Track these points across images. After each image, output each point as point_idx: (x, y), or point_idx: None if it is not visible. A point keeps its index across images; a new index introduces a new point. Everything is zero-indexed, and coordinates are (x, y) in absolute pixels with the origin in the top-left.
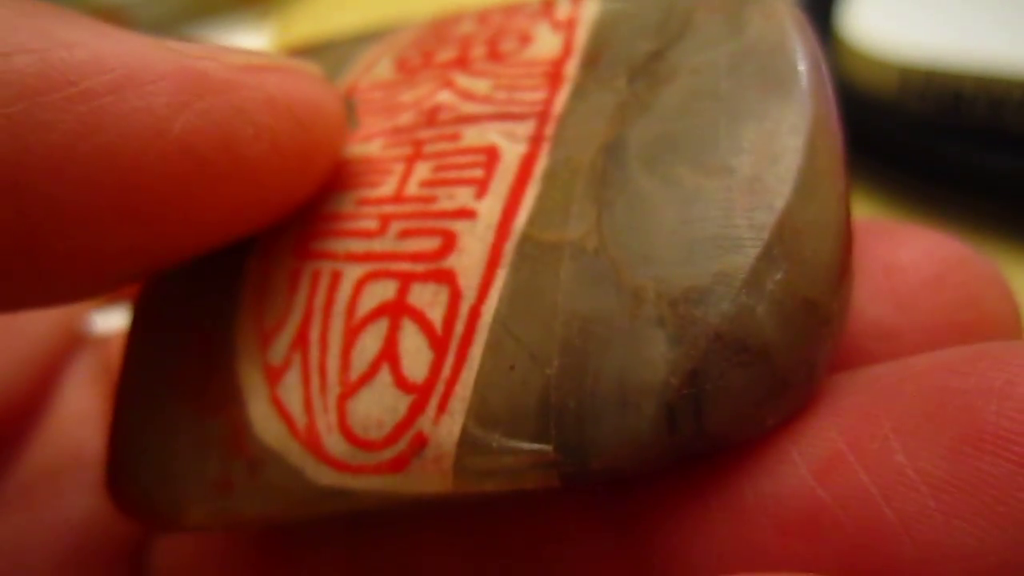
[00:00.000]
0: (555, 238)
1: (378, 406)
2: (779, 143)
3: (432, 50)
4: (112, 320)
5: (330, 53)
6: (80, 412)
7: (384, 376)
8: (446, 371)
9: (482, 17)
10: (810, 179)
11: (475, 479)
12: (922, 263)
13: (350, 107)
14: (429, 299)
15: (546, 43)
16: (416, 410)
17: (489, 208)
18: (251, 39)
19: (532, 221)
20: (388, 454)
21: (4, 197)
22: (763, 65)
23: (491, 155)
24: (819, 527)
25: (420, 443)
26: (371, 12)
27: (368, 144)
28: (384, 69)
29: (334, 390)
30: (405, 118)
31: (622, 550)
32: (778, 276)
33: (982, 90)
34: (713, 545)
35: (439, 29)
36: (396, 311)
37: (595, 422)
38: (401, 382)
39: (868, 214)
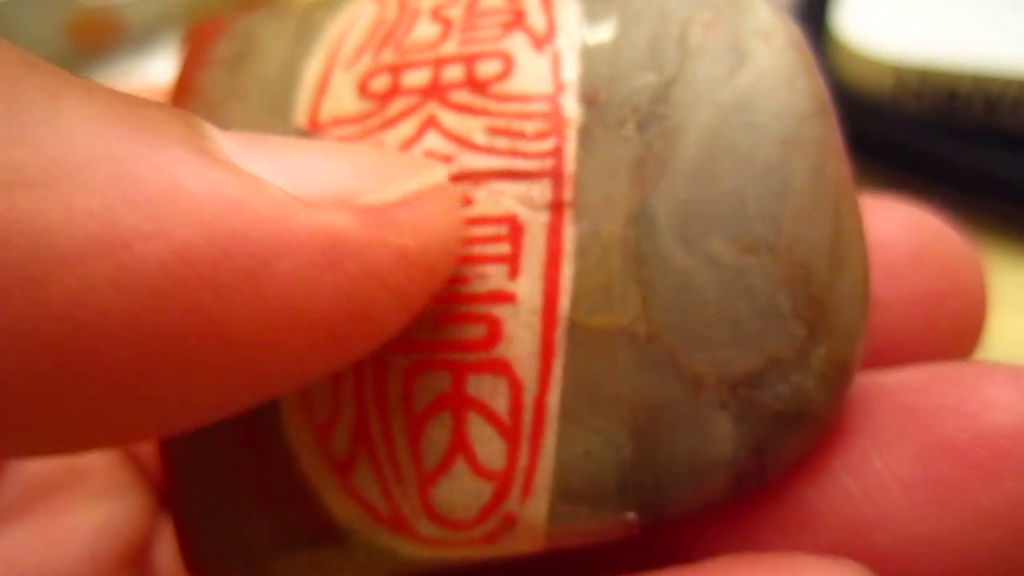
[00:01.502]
0: (604, 324)
1: (462, 493)
2: (808, 212)
3: (394, 66)
4: None
5: (252, 47)
6: None
7: (461, 466)
8: (523, 460)
9: (436, 11)
10: (840, 248)
11: (564, 540)
12: (904, 238)
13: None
14: (489, 391)
15: (532, 70)
16: (500, 494)
17: (528, 291)
18: None
19: (576, 305)
20: (479, 532)
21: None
22: (775, 113)
23: (514, 227)
24: (809, 521)
25: (509, 521)
26: None
27: None
28: (345, 95)
29: (411, 480)
30: None
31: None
32: (822, 352)
33: (977, 89)
34: (720, 537)
35: (388, 28)
36: (458, 404)
37: (671, 491)
38: (479, 471)
39: None
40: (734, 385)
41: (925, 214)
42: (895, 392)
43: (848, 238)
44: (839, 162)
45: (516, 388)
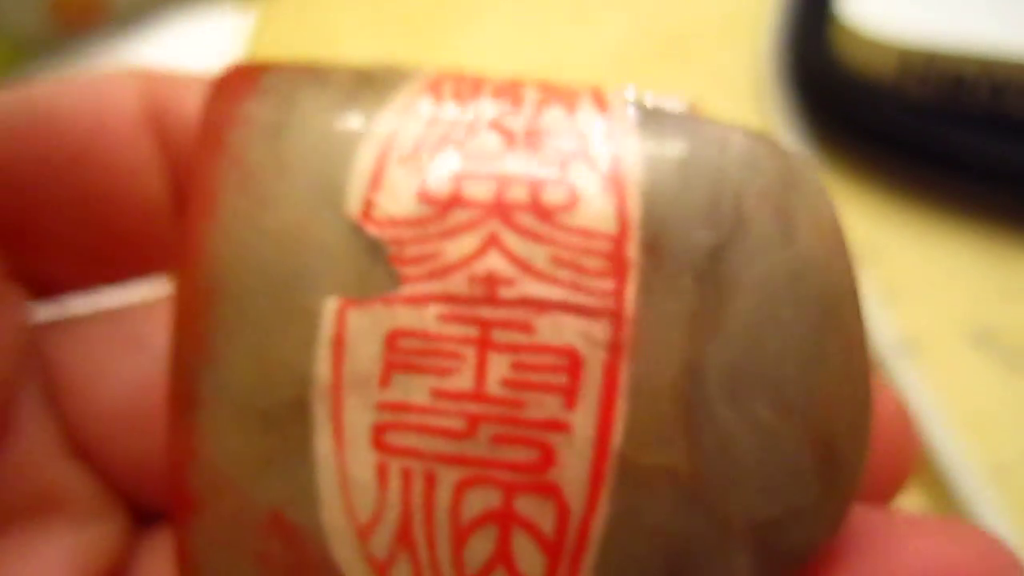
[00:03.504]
0: (652, 462)
1: None
2: (838, 386)
3: (456, 174)
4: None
5: (293, 114)
6: (38, 446)
7: (501, 574)
8: (562, 574)
9: (497, 121)
10: (857, 416)
11: None
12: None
13: (382, 249)
14: (536, 510)
15: (598, 207)
16: None
17: (582, 423)
18: (234, 24)
19: (627, 441)
20: None
21: None
22: (818, 292)
23: (573, 360)
24: None
25: None
26: None
27: (418, 310)
28: (402, 193)
29: None
30: (456, 283)
31: None
32: (833, 507)
33: (984, 74)
34: None
35: (448, 126)
36: (505, 520)
37: None
38: None
39: (866, 203)
40: (756, 528)
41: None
42: (874, 532)
43: (864, 406)
44: (864, 341)
45: (563, 511)
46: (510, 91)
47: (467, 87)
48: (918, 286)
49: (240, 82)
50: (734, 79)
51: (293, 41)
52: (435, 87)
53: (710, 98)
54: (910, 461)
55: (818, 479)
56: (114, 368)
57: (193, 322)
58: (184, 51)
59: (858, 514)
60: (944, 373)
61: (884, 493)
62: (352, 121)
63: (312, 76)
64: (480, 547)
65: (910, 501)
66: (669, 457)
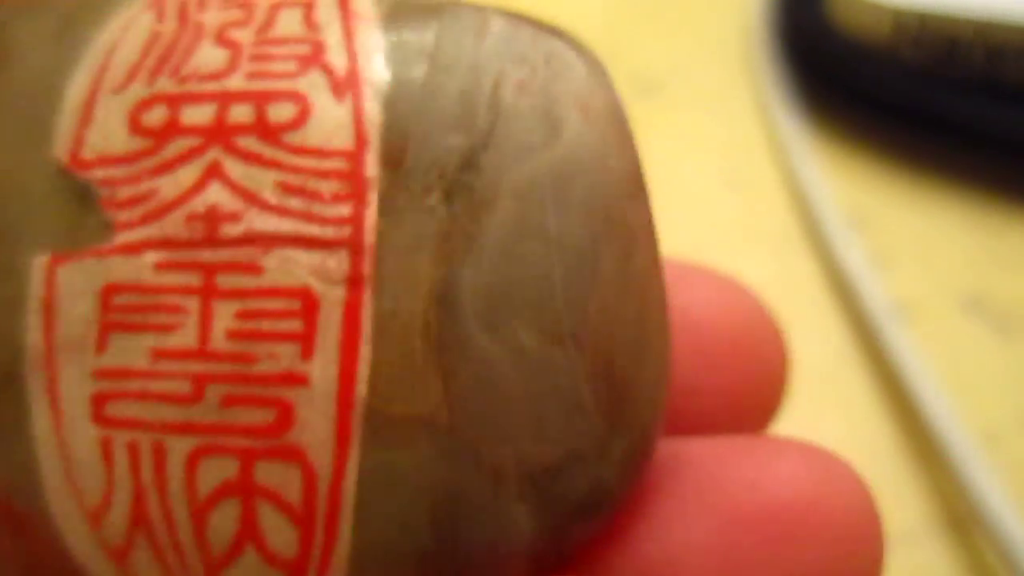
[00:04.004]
0: (404, 412)
1: None
2: (614, 304)
3: (173, 96)
4: None
5: (3, 49)
6: None
7: (251, 554)
8: (317, 549)
9: (221, 32)
10: (644, 341)
11: None
12: (716, 319)
13: (93, 193)
14: (279, 478)
15: (330, 119)
16: None
17: (322, 373)
18: None
19: (374, 390)
20: None
21: None
22: (587, 194)
23: (308, 301)
24: None
25: None
26: None
27: (134, 260)
28: (114, 127)
29: (197, 567)
30: (174, 224)
31: None
32: (621, 445)
33: (979, 37)
34: None
35: (166, 45)
36: (246, 491)
37: None
38: (271, 559)
39: (859, 168)
40: (534, 478)
41: (735, 286)
42: (698, 462)
43: (652, 330)
44: (649, 248)
45: (310, 477)
46: None
47: (194, 0)
48: (910, 252)
49: None
50: (724, 42)
51: None
52: (159, 1)
53: (700, 61)
54: (780, 380)
55: (601, 416)
56: None
57: None
58: None
59: (676, 446)
60: (936, 339)
61: (750, 422)
62: (65, 48)
63: (26, 4)
64: (223, 524)
65: (901, 467)
66: (424, 403)
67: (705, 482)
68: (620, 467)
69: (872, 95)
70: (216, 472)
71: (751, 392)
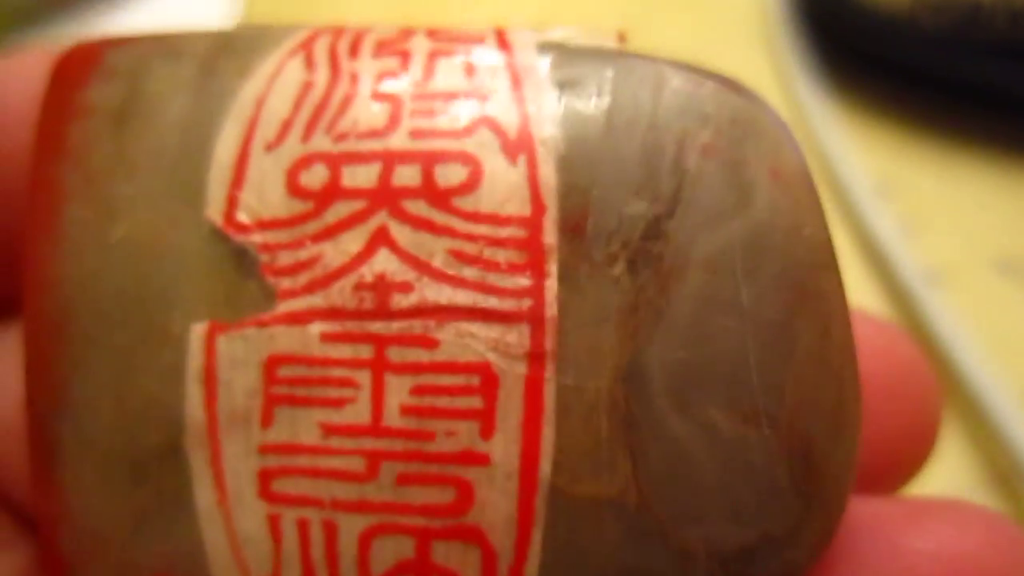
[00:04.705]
0: (590, 493)
1: None
2: (813, 381)
3: (332, 156)
4: None
5: (140, 97)
6: None
7: None
8: None
9: (378, 81)
10: (841, 417)
11: None
12: (877, 370)
13: (251, 258)
14: (458, 559)
15: (504, 183)
16: None
17: (503, 452)
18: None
19: (558, 469)
20: None
21: None
22: (784, 266)
23: (486, 378)
24: None
25: None
26: None
27: (300, 330)
28: (270, 188)
29: None
30: (341, 293)
31: None
32: (815, 526)
33: (1002, 0)
34: None
35: (320, 98)
36: (422, 571)
37: None
38: None
39: (884, 137)
40: (726, 561)
41: (893, 332)
42: (875, 528)
43: (849, 406)
44: (845, 322)
45: (490, 558)
46: (395, 44)
47: (345, 45)
48: (941, 218)
49: (80, 63)
50: (745, 15)
51: (290, 10)
52: (307, 47)
53: (721, 34)
54: (931, 434)
55: (797, 497)
56: None
57: (44, 361)
58: (176, 19)
59: (852, 508)
60: (972, 303)
61: (899, 477)
62: (208, 98)
63: (162, 48)
64: None
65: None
66: (611, 484)
67: (885, 553)
68: (811, 549)
69: (894, 63)
70: (391, 551)
71: (901, 446)
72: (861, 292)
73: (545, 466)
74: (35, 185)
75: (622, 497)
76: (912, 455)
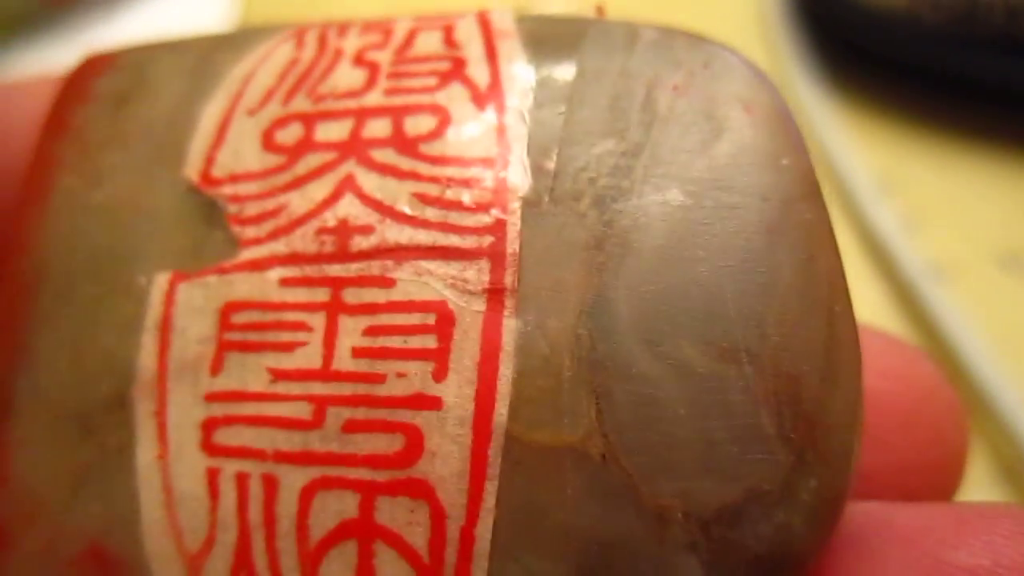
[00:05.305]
0: (550, 440)
1: None
2: (798, 314)
3: (307, 115)
4: None
5: (141, 84)
6: None
7: None
8: None
9: (360, 54)
10: (834, 357)
11: None
12: (896, 390)
13: (220, 210)
14: (404, 518)
15: (472, 128)
16: None
17: (456, 395)
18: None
19: (515, 415)
20: None
21: None
22: (759, 194)
23: (442, 315)
24: None
25: None
26: None
27: (259, 276)
28: (246, 146)
29: None
30: (303, 238)
31: None
32: (812, 484)
33: None
34: None
35: (304, 70)
36: (364, 533)
37: None
38: None
39: (885, 133)
40: (706, 523)
41: (912, 353)
42: (913, 540)
43: (842, 345)
44: (832, 254)
45: (439, 516)
46: (380, 25)
47: (335, 29)
48: (943, 213)
49: (95, 64)
50: (742, 10)
51: (287, 14)
52: (300, 34)
53: (718, 31)
54: (958, 462)
55: (785, 446)
56: None
57: (11, 321)
58: (174, 24)
59: (879, 512)
60: (974, 297)
61: (939, 491)
62: (201, 79)
63: (170, 45)
64: (336, 572)
65: None
66: (573, 431)
67: (925, 567)
68: (809, 512)
69: (893, 59)
70: (333, 510)
71: (924, 475)
72: (864, 288)
73: (501, 410)
74: (35, 162)
75: (585, 445)
76: (931, 487)
